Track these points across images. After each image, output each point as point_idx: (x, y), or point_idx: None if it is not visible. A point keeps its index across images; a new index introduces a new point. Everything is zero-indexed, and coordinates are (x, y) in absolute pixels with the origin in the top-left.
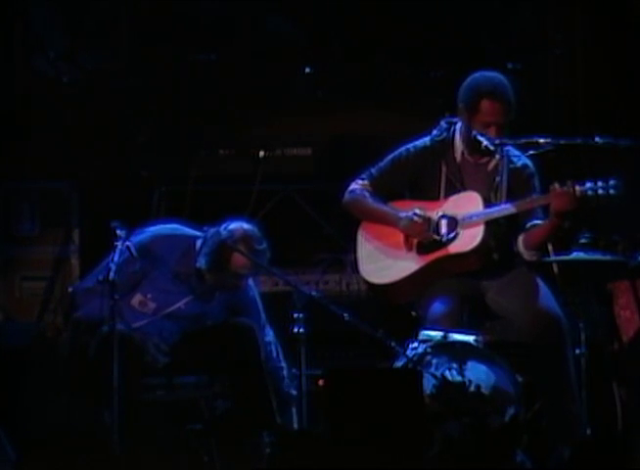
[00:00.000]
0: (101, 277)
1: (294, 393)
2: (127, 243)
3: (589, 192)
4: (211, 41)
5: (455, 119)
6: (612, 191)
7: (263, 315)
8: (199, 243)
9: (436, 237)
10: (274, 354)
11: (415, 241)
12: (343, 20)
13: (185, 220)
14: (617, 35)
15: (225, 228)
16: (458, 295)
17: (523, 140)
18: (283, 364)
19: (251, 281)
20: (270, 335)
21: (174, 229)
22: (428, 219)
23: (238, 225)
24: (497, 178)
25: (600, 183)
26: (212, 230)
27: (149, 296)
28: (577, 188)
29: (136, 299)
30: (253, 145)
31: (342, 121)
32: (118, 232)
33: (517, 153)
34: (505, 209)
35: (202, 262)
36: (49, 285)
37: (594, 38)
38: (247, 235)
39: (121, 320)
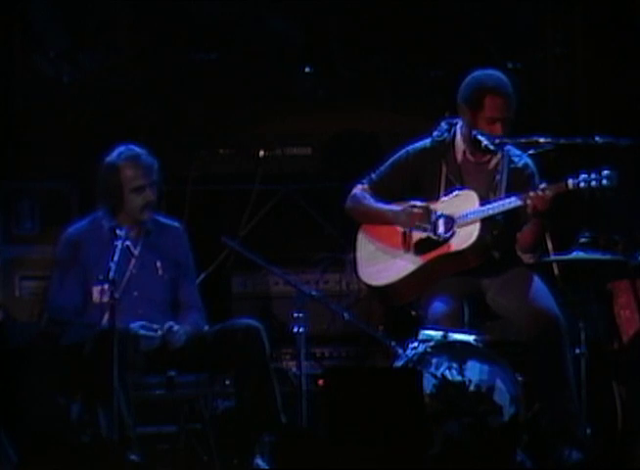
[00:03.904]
0: (101, 276)
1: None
2: (127, 243)
3: (582, 184)
4: (211, 41)
5: (455, 120)
6: (605, 182)
7: (192, 264)
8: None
9: (434, 236)
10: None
11: (413, 242)
12: (343, 20)
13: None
14: (617, 35)
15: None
16: (459, 294)
17: (523, 140)
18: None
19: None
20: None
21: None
22: (427, 208)
23: (123, 146)
24: (497, 177)
25: (593, 175)
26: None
27: (106, 286)
28: (570, 181)
29: (95, 290)
30: (253, 145)
31: (343, 121)
32: (118, 232)
33: (518, 152)
34: (501, 205)
35: (102, 209)
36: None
37: (594, 38)
38: (134, 153)
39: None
